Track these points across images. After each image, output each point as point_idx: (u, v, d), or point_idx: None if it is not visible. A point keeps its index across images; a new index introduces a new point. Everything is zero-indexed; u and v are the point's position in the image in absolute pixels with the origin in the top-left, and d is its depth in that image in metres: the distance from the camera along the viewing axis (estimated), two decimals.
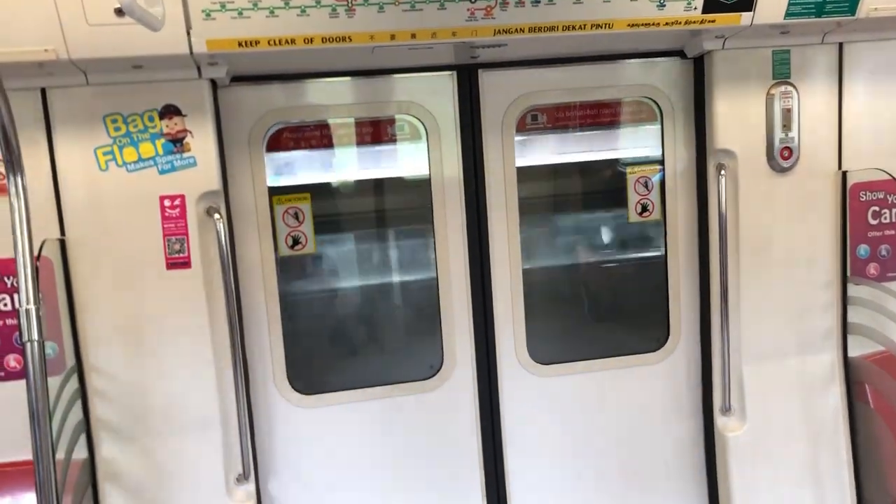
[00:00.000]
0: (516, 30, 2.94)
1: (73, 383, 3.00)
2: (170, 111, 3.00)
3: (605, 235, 4.08)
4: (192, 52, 2.74)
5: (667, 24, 3.03)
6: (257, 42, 2.77)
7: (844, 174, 3.52)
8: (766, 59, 3.41)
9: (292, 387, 3.51)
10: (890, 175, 3.52)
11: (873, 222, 3.56)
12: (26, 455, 2.22)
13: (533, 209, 3.76)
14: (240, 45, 2.76)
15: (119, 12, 2.51)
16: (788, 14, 3.09)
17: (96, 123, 2.96)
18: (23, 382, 1.98)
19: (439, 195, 3.52)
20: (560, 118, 3.70)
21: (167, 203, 3.04)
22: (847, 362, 3.67)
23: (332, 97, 3.44)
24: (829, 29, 3.30)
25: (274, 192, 3.42)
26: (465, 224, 3.56)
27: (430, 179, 3.52)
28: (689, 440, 3.87)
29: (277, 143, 3.43)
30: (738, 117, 3.44)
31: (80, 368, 3.05)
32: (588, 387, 3.77)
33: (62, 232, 2.99)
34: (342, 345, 3.90)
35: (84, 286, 3.03)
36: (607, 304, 4.22)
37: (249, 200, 3.36)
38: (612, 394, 3.79)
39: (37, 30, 2.58)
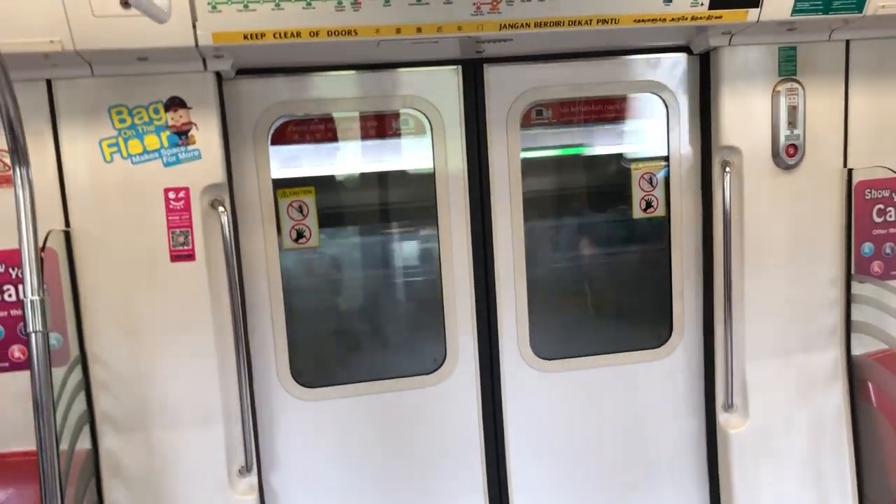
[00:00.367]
0: (522, 24, 2.94)
1: (77, 374, 3.01)
2: (175, 103, 3.00)
3: (609, 231, 4.07)
4: (197, 45, 2.74)
5: (673, 19, 3.02)
6: (263, 35, 2.77)
7: (850, 172, 3.51)
8: (773, 56, 3.40)
9: (295, 380, 3.51)
10: (895, 173, 3.51)
11: (878, 220, 3.55)
12: (30, 445, 2.22)
13: (537, 204, 3.75)
14: (245, 37, 2.76)
15: (125, 4, 2.51)
16: (795, 11, 3.08)
17: (101, 115, 2.96)
18: (27, 373, 1.98)
19: (443, 190, 3.52)
20: (565, 113, 3.69)
21: (172, 195, 3.05)
22: (850, 360, 3.66)
23: (336, 91, 3.44)
24: (836, 26, 3.29)
25: (278, 185, 3.41)
26: (469, 219, 3.56)
27: (434, 174, 3.52)
28: (691, 436, 3.87)
29: (282, 136, 3.43)
30: (743, 114, 3.43)
31: (83, 359, 3.06)
32: (590, 382, 3.77)
33: (67, 223, 3.00)
34: (345, 338, 3.91)
35: (88, 277, 3.03)
36: (610, 300, 4.22)
37: (254, 193, 3.36)
38: (615, 389, 3.79)
39: (42, 21, 2.59)
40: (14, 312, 2.95)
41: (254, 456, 3.28)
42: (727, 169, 3.43)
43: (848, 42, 3.44)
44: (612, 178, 3.93)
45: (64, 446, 2.68)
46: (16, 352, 2.96)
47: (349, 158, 3.69)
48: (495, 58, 3.45)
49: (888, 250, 3.58)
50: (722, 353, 3.59)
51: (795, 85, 3.42)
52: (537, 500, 3.81)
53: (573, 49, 3.47)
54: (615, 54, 3.55)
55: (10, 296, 2.94)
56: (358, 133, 3.61)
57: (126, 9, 2.51)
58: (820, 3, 3.07)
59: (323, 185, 3.57)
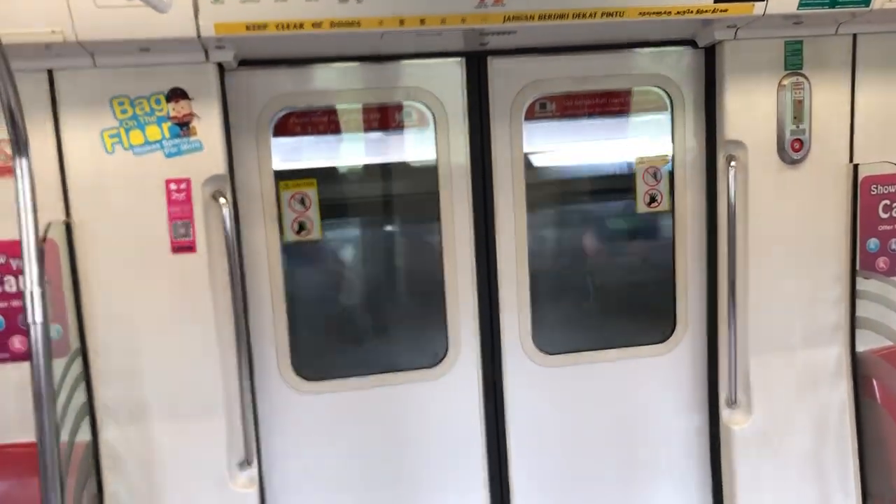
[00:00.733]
0: (526, 17, 2.92)
1: (78, 366, 3.01)
2: (177, 94, 2.99)
3: (613, 225, 4.05)
4: (199, 36, 2.72)
5: (678, 12, 3.00)
6: (265, 26, 2.75)
7: (856, 167, 3.49)
8: (779, 50, 3.38)
9: (296, 373, 3.51)
10: None
11: (884, 216, 3.54)
12: (30, 437, 2.22)
13: (540, 198, 3.74)
14: (248, 28, 2.74)
15: None
16: (802, 4, 3.05)
17: (103, 106, 2.95)
18: (27, 364, 1.98)
19: (446, 183, 3.51)
20: (569, 106, 3.67)
21: (173, 187, 3.04)
22: (855, 357, 3.65)
23: (339, 82, 3.43)
24: (843, 20, 3.26)
25: (280, 177, 3.40)
26: (472, 212, 3.54)
27: (437, 167, 3.51)
28: (694, 432, 3.87)
29: (284, 127, 3.42)
30: (748, 108, 3.41)
31: (84, 351, 3.06)
32: (593, 377, 3.76)
33: (68, 214, 2.99)
34: (347, 331, 3.90)
35: (89, 269, 3.03)
36: (614, 295, 4.20)
37: (255, 185, 3.35)
38: (618, 384, 3.78)
39: (44, 11, 2.57)
40: (14, 303, 2.94)
41: (254, 449, 3.28)
42: (732, 163, 3.41)
43: (855, 36, 3.42)
44: (616, 171, 3.91)
45: (64, 438, 2.68)
46: (16, 343, 2.96)
47: (352, 151, 3.68)
48: (499, 50, 3.43)
49: (894, 246, 3.56)
50: (726, 348, 3.58)
51: (801, 79, 3.40)
52: (538, 494, 3.81)
53: (577, 42, 3.45)
54: (620, 47, 3.53)
55: (10, 287, 2.93)
56: (360, 125, 3.59)
57: None
58: None
59: (325, 177, 3.56)
